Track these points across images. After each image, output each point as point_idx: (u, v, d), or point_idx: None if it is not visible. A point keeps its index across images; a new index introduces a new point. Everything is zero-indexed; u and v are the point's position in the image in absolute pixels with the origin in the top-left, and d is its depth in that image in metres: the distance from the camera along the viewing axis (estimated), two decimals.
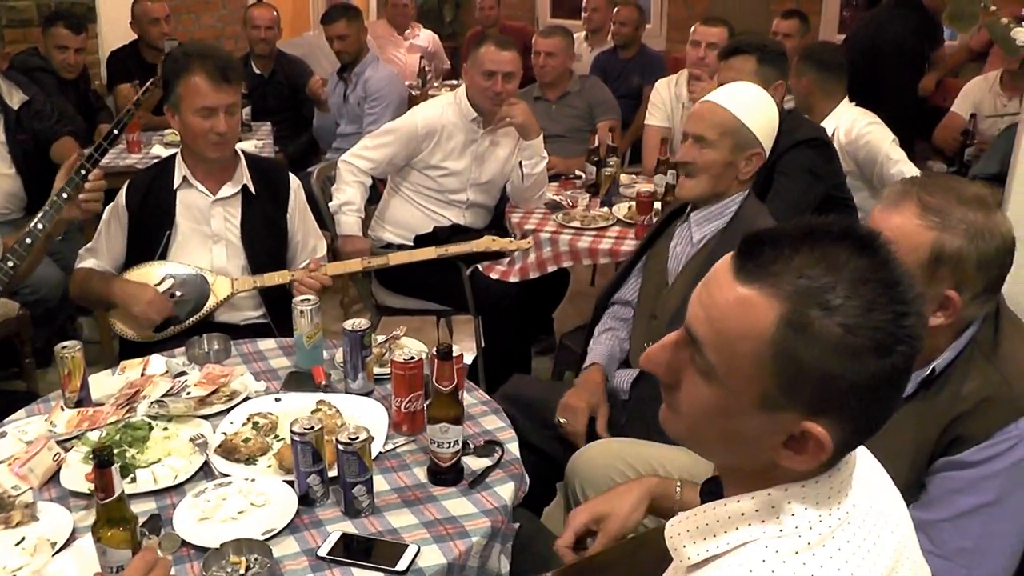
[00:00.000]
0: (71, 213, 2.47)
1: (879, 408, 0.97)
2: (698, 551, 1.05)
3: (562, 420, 2.35)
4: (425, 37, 7.10)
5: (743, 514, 1.03)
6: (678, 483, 1.72)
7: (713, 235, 2.36)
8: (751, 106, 2.33)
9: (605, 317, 2.63)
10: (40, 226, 2.39)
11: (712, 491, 1.12)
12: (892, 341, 0.92)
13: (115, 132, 2.52)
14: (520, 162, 3.57)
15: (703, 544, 1.05)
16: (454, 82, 6.55)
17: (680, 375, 1.06)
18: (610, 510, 1.70)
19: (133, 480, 1.80)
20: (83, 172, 2.46)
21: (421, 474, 1.83)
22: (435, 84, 6.33)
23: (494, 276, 3.43)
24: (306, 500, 1.72)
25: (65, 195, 2.43)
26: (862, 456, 1.12)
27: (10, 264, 2.36)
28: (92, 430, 1.98)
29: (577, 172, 4.16)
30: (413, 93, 5.65)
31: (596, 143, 4.05)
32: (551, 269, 3.43)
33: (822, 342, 0.92)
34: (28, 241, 2.38)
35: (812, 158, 3.02)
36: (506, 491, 1.79)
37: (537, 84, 4.61)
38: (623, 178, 3.97)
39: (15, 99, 4.00)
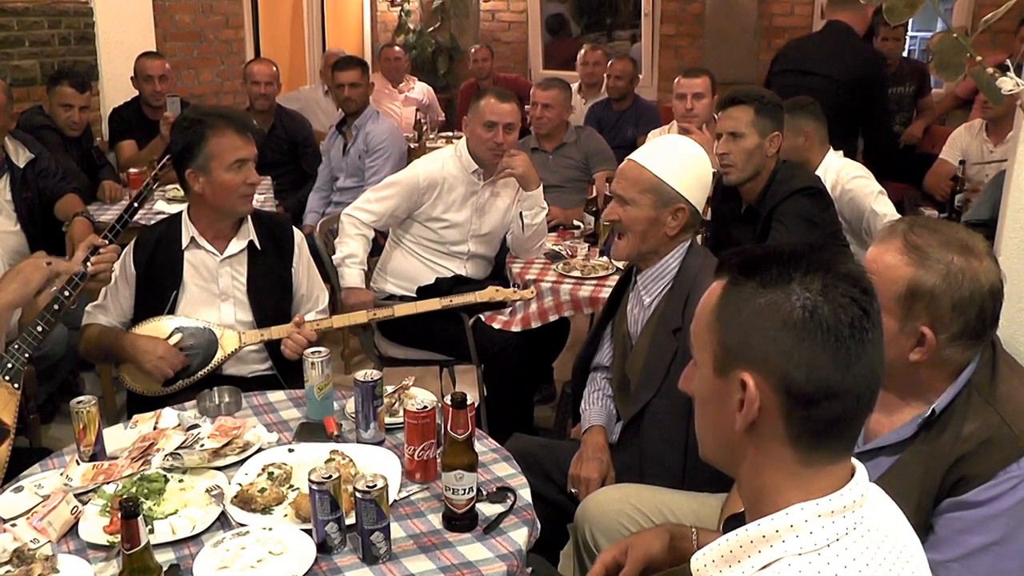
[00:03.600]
0: (89, 285, 2.50)
1: (793, 363, 1.07)
2: None
3: (574, 491, 2.38)
4: (420, 90, 7.22)
5: (764, 536, 1.07)
6: (694, 530, 1.75)
7: (660, 298, 2.39)
8: (671, 163, 2.35)
9: (591, 380, 2.66)
10: (67, 293, 2.42)
11: (735, 527, 1.16)
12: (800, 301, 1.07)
13: (135, 206, 2.58)
14: (520, 213, 3.63)
15: (729, 572, 1.09)
16: (449, 134, 6.65)
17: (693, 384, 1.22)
18: (633, 541, 1.74)
19: (151, 531, 1.82)
20: (107, 241, 2.51)
21: (436, 521, 1.86)
22: (431, 136, 6.42)
23: (496, 326, 3.47)
24: (324, 548, 1.74)
25: (88, 266, 2.46)
26: (879, 494, 1.17)
27: (39, 329, 2.39)
28: (108, 483, 2.00)
29: (575, 222, 4.22)
30: (411, 146, 5.73)
31: (594, 193, 4.12)
32: (552, 318, 3.47)
33: (744, 298, 1.10)
34: (56, 307, 2.41)
35: (808, 206, 3.08)
36: (520, 536, 1.82)
37: (533, 135, 4.68)
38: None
39: (21, 158, 4.06)
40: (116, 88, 5.49)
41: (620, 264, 3.56)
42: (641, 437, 2.34)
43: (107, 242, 2.51)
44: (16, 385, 2.34)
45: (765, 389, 1.08)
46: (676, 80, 4.46)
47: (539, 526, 1.92)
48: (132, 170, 4.69)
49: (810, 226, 3.04)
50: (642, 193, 2.34)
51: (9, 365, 2.33)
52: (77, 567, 1.74)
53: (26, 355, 2.37)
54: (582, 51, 6.44)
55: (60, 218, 4.13)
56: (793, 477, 1.10)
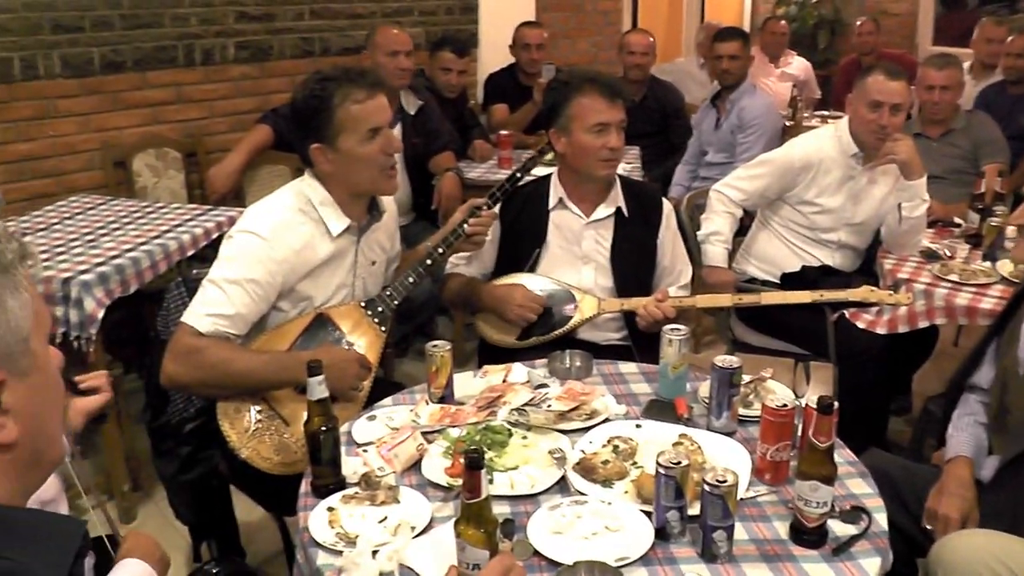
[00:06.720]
0: (463, 246, 2.60)
1: None
2: None
3: (929, 527, 2.11)
4: (798, 65, 6.88)
5: None
6: None
7: None
8: None
9: (963, 401, 2.34)
10: (440, 250, 2.53)
11: None
12: None
13: (518, 176, 2.65)
14: (899, 204, 3.32)
15: None
16: (825, 113, 6.30)
17: None
18: None
19: (491, 482, 1.84)
20: (487, 205, 2.59)
21: (781, 528, 1.72)
22: (806, 115, 6.11)
23: (860, 324, 3.19)
24: (662, 534, 1.66)
25: (465, 227, 2.55)
26: None
27: (410, 280, 2.51)
28: (453, 427, 2.06)
29: (956, 219, 3.80)
30: (786, 123, 5.50)
31: (982, 188, 3.68)
32: (922, 324, 3.13)
33: None
34: (428, 262, 2.52)
35: None
36: (871, 565, 1.63)
37: (917, 119, 4.27)
38: (1009, 231, 3.55)
39: (412, 106, 4.37)
40: (493, 55, 5.71)
41: (1005, 272, 3.17)
42: (1020, 482, 2.04)
43: (487, 206, 2.57)
44: (384, 328, 2.46)
45: None
46: None
47: (892, 558, 1.71)
48: (502, 132, 4.85)
49: None
50: None
51: (380, 309, 2.47)
52: (417, 501, 1.79)
53: (395, 302, 2.49)
54: (981, 25, 5.73)
55: (432, 171, 4.36)
56: None
